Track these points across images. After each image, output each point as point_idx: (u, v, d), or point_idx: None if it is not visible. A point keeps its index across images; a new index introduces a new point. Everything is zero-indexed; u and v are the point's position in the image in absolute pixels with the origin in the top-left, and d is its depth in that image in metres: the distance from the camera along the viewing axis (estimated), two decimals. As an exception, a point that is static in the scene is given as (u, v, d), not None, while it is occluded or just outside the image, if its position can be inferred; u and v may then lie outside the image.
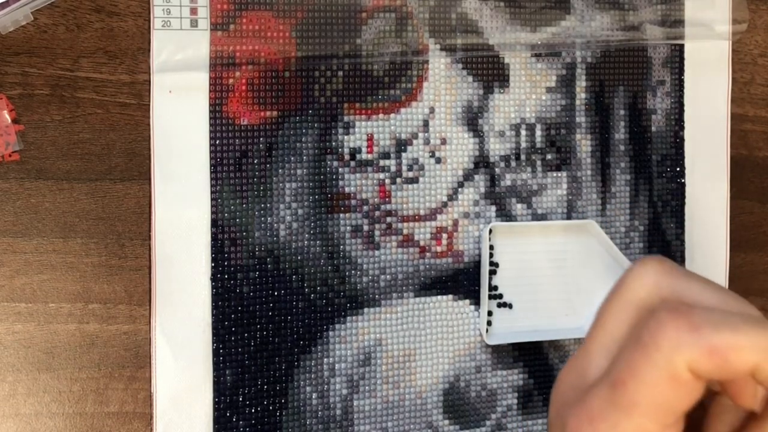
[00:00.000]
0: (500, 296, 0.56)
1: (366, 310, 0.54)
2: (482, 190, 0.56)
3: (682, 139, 0.60)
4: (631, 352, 0.32)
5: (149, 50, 0.50)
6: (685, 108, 0.60)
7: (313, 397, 0.53)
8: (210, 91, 0.51)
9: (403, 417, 0.54)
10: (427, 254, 0.55)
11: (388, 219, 0.54)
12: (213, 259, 0.51)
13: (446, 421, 0.55)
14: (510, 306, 0.56)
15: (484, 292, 0.55)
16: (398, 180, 0.54)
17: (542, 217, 0.57)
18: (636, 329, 0.33)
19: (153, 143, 0.50)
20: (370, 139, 0.53)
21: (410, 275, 0.54)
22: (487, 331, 0.55)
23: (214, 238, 0.51)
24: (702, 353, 0.30)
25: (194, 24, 0.50)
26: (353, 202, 0.53)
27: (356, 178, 0.53)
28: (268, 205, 0.52)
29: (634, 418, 0.31)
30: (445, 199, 0.55)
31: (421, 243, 0.55)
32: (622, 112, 0.59)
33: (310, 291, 0.52)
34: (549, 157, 0.57)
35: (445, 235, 0.55)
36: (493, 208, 0.56)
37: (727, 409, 0.35)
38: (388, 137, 0.54)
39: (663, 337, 0.31)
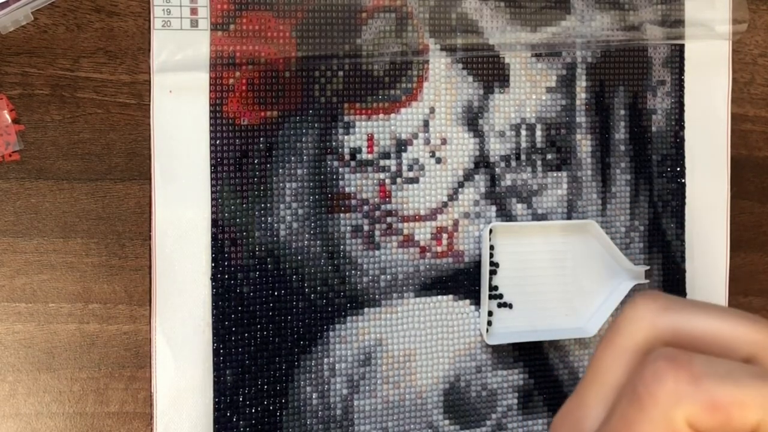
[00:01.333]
0: (500, 296, 0.56)
1: (366, 310, 0.54)
2: (482, 190, 0.56)
3: (682, 139, 0.60)
4: (626, 406, 0.30)
5: (149, 50, 0.50)
6: (685, 108, 0.60)
7: (314, 397, 0.53)
8: (210, 91, 0.51)
9: (404, 417, 0.54)
10: (428, 254, 0.55)
11: (389, 219, 0.54)
12: (213, 259, 0.51)
13: (446, 421, 0.55)
14: (510, 306, 0.56)
15: (485, 292, 0.55)
16: (398, 180, 0.54)
17: (542, 217, 0.57)
18: (632, 379, 0.31)
19: (153, 143, 0.50)
20: (370, 139, 0.53)
21: (410, 275, 0.54)
22: (487, 331, 0.55)
23: (214, 238, 0.51)
24: (703, 408, 0.28)
25: (194, 24, 0.50)
26: (353, 202, 0.53)
27: (356, 178, 0.53)
28: (268, 205, 0.52)
29: None
30: (445, 199, 0.55)
31: (422, 243, 0.55)
32: (622, 112, 0.59)
33: (311, 291, 0.52)
34: (549, 157, 0.57)
35: (445, 235, 0.55)
36: (494, 208, 0.56)
37: None
38: (389, 137, 0.54)
39: (661, 390, 0.29)
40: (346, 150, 0.53)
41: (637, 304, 0.32)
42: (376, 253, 0.54)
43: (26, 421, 0.49)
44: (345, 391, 0.53)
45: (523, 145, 0.57)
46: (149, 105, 0.50)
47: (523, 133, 0.57)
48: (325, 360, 0.53)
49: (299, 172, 0.52)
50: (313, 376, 0.52)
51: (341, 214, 0.53)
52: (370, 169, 0.54)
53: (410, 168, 0.54)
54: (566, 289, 0.57)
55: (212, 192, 0.51)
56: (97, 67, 0.49)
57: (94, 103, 0.50)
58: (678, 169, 0.60)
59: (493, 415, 0.56)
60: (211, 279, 0.51)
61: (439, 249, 0.55)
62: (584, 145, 0.58)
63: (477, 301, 0.55)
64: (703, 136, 0.61)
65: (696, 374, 0.29)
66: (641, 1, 0.58)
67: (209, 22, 0.50)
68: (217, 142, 0.51)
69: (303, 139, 0.52)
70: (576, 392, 0.33)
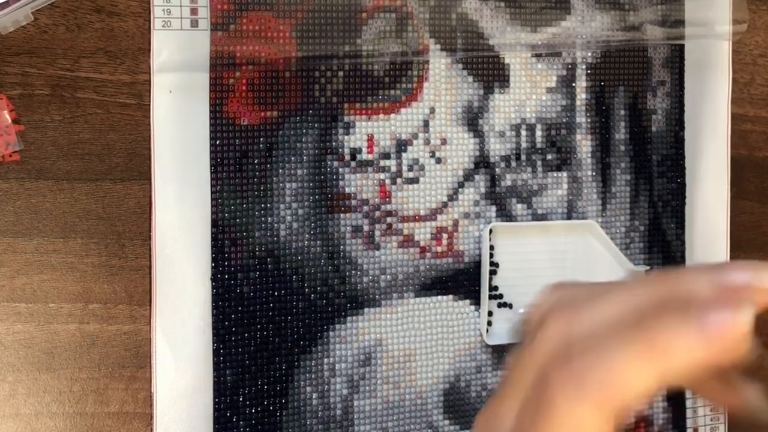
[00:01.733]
0: (500, 296, 0.56)
1: (366, 310, 0.54)
2: (482, 190, 0.56)
3: (682, 139, 0.60)
4: (533, 413, 0.31)
5: (149, 50, 0.50)
6: (685, 108, 0.60)
7: (314, 397, 0.53)
8: (210, 91, 0.51)
9: (404, 417, 0.54)
10: (428, 254, 0.55)
11: (389, 219, 0.54)
12: (213, 259, 0.51)
13: (446, 421, 0.55)
14: (510, 306, 0.56)
15: (485, 292, 0.55)
16: (398, 180, 0.54)
17: (542, 218, 0.57)
18: (535, 386, 0.32)
19: (153, 143, 0.50)
20: (370, 139, 0.53)
21: (410, 275, 0.54)
22: (487, 331, 0.55)
23: (214, 238, 0.51)
24: (594, 404, 0.29)
25: (194, 24, 0.50)
26: (353, 202, 0.53)
27: (356, 179, 0.53)
28: (268, 205, 0.52)
29: None
30: (445, 199, 0.55)
31: (422, 243, 0.55)
32: (622, 112, 0.59)
33: (311, 291, 0.52)
34: (549, 157, 0.57)
35: (445, 235, 0.55)
36: (494, 208, 0.56)
37: None
38: (389, 137, 0.54)
39: (555, 396, 0.30)
40: (346, 150, 0.53)
41: (549, 324, 0.32)
42: (376, 253, 0.54)
43: (26, 421, 0.49)
44: (345, 392, 0.53)
45: (523, 145, 0.57)
46: (149, 105, 0.50)
47: (523, 133, 0.57)
48: (325, 360, 0.53)
49: (299, 172, 0.52)
50: (313, 376, 0.52)
51: (341, 214, 0.53)
52: (370, 169, 0.54)
53: (410, 168, 0.54)
54: (566, 289, 0.57)
55: (212, 192, 0.51)
56: (97, 67, 0.49)
57: (94, 103, 0.50)
58: (678, 169, 0.60)
59: (493, 415, 0.56)
60: (211, 279, 0.51)
61: (439, 249, 0.55)
62: (584, 145, 0.58)
63: (477, 301, 0.55)
64: (703, 136, 0.61)
65: (578, 372, 0.30)
66: (641, 1, 0.58)
67: (209, 22, 0.50)
68: (217, 142, 0.51)
69: (303, 139, 0.52)
70: (497, 390, 0.34)
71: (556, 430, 0.30)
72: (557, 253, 0.57)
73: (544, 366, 0.31)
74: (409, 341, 0.54)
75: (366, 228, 0.53)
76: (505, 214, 0.56)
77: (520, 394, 0.32)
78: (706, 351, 0.28)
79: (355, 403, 0.53)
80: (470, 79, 0.55)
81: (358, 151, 0.53)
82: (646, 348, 0.29)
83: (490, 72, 0.56)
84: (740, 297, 0.29)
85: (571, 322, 0.32)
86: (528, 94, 0.56)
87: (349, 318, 0.53)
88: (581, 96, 0.58)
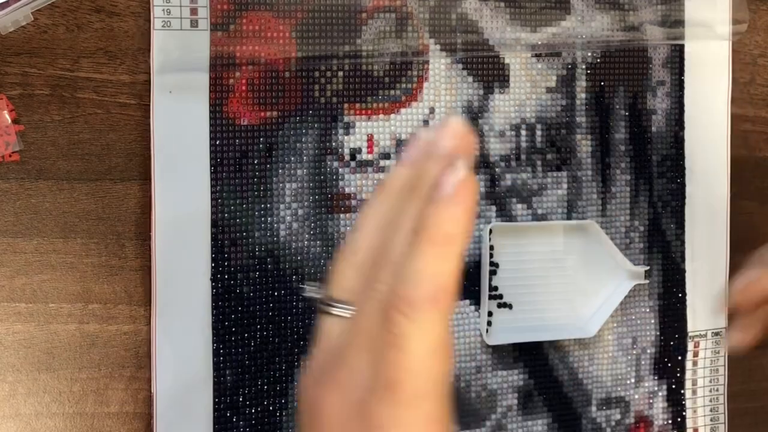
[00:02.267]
0: (500, 296, 0.56)
1: (366, 310, 0.53)
2: (482, 190, 0.56)
3: (682, 139, 0.60)
4: (385, 355, 0.33)
5: (149, 50, 0.50)
6: (685, 108, 0.60)
7: (313, 397, 0.52)
8: (210, 92, 0.51)
9: (403, 417, 0.54)
10: (427, 254, 0.55)
11: (388, 219, 0.54)
12: (213, 259, 0.51)
13: (446, 421, 0.55)
14: (510, 306, 0.56)
15: (484, 292, 0.55)
16: (398, 180, 0.54)
17: (542, 217, 0.57)
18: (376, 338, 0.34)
19: (153, 143, 0.50)
20: (370, 139, 0.53)
21: (410, 275, 0.54)
22: (487, 331, 0.55)
23: (214, 238, 0.51)
24: (431, 309, 0.33)
25: (194, 24, 0.50)
26: (353, 202, 0.53)
27: (356, 179, 0.53)
28: (268, 205, 0.52)
29: None
30: (445, 199, 0.55)
31: (421, 243, 0.54)
32: (622, 112, 0.59)
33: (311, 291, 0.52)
34: (549, 157, 0.57)
35: (445, 235, 0.55)
36: (493, 208, 0.56)
37: None
38: (389, 137, 0.54)
39: (402, 329, 0.33)
40: (346, 150, 0.53)
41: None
42: (376, 253, 0.54)
43: (26, 421, 0.49)
44: (345, 391, 0.53)
45: (523, 145, 0.57)
46: (149, 105, 0.50)
47: (523, 133, 0.57)
48: (325, 360, 0.53)
49: (299, 172, 0.52)
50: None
51: (341, 214, 0.53)
52: (370, 169, 0.54)
53: (410, 168, 0.54)
54: (566, 289, 0.57)
55: (212, 192, 0.51)
56: (97, 67, 0.49)
57: (94, 103, 0.50)
58: (678, 169, 0.60)
59: (493, 416, 0.56)
60: (211, 279, 0.51)
61: (439, 249, 0.55)
62: (584, 145, 0.58)
63: (477, 301, 0.55)
64: (703, 137, 0.61)
65: None
66: (641, 1, 0.58)
67: (209, 23, 0.50)
68: (217, 142, 0.51)
69: (303, 140, 0.52)
70: (343, 364, 0.35)
71: (415, 354, 0.33)
72: (557, 253, 0.57)
73: (379, 321, 0.34)
74: (409, 341, 0.54)
75: (366, 228, 0.53)
76: (505, 214, 0.56)
77: (363, 353, 0.34)
78: (464, 211, 0.33)
79: (355, 403, 0.53)
80: (470, 79, 0.55)
81: (358, 151, 0.53)
82: (430, 241, 0.33)
83: (490, 72, 0.56)
84: (454, 157, 0.34)
85: (389, 263, 0.34)
86: (528, 94, 0.56)
87: (349, 318, 0.53)
88: (581, 96, 0.58)
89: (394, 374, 0.33)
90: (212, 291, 0.51)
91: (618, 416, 0.59)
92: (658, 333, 0.60)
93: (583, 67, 0.58)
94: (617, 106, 0.58)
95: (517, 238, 0.56)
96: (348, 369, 0.34)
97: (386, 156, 0.54)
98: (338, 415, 0.34)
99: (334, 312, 0.36)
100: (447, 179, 0.33)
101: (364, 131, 0.53)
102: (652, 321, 0.60)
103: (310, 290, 0.39)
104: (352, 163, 0.53)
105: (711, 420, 0.62)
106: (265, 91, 0.51)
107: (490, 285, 0.55)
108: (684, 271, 0.60)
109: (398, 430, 0.33)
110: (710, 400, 0.62)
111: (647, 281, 0.58)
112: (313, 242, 0.52)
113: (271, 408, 0.52)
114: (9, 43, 0.48)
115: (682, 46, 0.60)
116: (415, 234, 0.33)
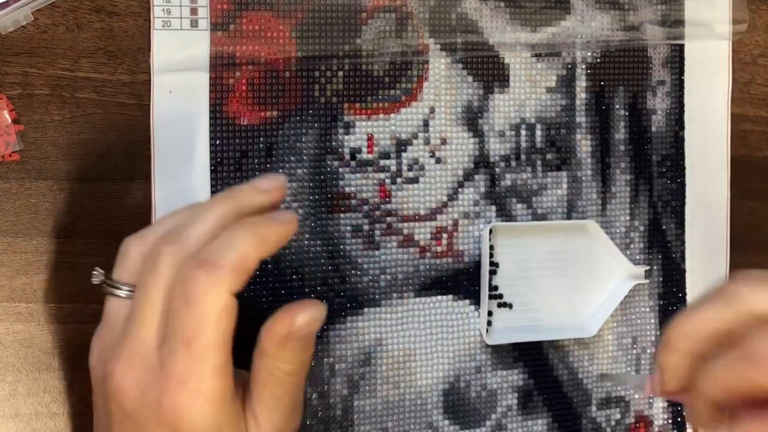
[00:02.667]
0: (500, 296, 0.56)
1: (366, 310, 0.54)
2: (482, 190, 0.56)
3: (682, 139, 0.60)
4: (180, 321, 0.38)
5: (149, 50, 0.50)
6: (685, 108, 0.60)
7: (314, 397, 0.53)
8: (210, 91, 0.51)
9: (403, 417, 0.54)
10: (427, 254, 0.55)
11: (389, 219, 0.54)
12: (213, 259, 0.51)
13: (446, 422, 0.55)
14: (510, 306, 0.56)
15: (484, 292, 0.55)
16: (398, 180, 0.54)
17: (542, 217, 0.57)
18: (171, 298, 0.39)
19: (153, 143, 0.50)
20: (370, 139, 0.54)
21: (410, 275, 0.54)
22: (487, 331, 0.55)
23: (214, 238, 0.51)
24: (230, 279, 0.38)
25: (194, 24, 0.50)
26: (353, 202, 0.53)
27: (356, 178, 0.53)
28: (268, 205, 0.52)
29: None
30: (445, 199, 0.55)
31: (421, 243, 0.55)
32: (622, 112, 0.59)
33: (310, 291, 0.52)
34: (549, 157, 0.57)
35: (445, 235, 0.55)
36: (493, 208, 0.56)
37: None
38: (388, 137, 0.54)
39: (200, 292, 0.37)
40: (346, 150, 0.53)
41: (164, 255, 0.39)
42: (376, 253, 0.54)
43: (26, 421, 0.49)
44: (345, 392, 0.53)
45: (523, 145, 0.57)
46: (149, 105, 0.50)
47: (523, 133, 0.57)
48: (325, 360, 0.53)
49: (299, 172, 0.52)
50: (312, 376, 0.52)
51: (341, 214, 0.53)
52: (370, 169, 0.54)
53: (410, 168, 0.54)
54: (566, 289, 0.57)
55: (212, 192, 0.51)
56: (97, 67, 0.49)
57: (94, 103, 0.50)
58: (678, 169, 0.60)
59: (493, 415, 0.56)
60: (211, 279, 0.51)
61: (438, 249, 0.55)
62: (584, 145, 0.58)
63: (477, 301, 0.55)
64: (703, 136, 0.61)
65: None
66: (641, 1, 0.58)
67: (209, 22, 0.50)
68: (217, 142, 0.51)
69: (303, 139, 0.52)
70: (128, 340, 0.40)
71: (211, 310, 0.37)
72: (557, 253, 0.57)
73: (177, 277, 0.38)
74: (409, 341, 0.54)
75: (366, 228, 0.53)
76: (505, 214, 0.56)
77: (155, 316, 0.38)
78: (271, 201, 0.41)
79: (355, 403, 0.53)
80: (470, 78, 0.55)
81: (358, 150, 0.53)
82: (244, 227, 0.38)
83: (489, 72, 0.56)
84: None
85: (185, 243, 0.39)
86: (528, 94, 0.56)
87: (348, 318, 0.53)
88: (581, 96, 0.58)
89: (192, 328, 0.37)
90: (212, 291, 0.51)
91: (618, 416, 0.59)
92: (658, 333, 0.60)
93: (583, 67, 0.58)
94: (617, 106, 0.58)
95: (517, 238, 0.56)
96: (137, 340, 0.38)
97: (386, 156, 0.54)
98: (134, 385, 0.38)
99: (117, 293, 0.40)
100: (261, 182, 0.41)
101: (364, 131, 0.53)
102: (652, 321, 0.60)
103: (96, 276, 0.42)
104: (352, 163, 0.53)
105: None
106: (265, 91, 0.51)
107: (490, 285, 0.55)
108: (684, 271, 0.60)
109: (196, 379, 0.37)
110: (710, 400, 0.62)
111: (647, 281, 0.58)
112: (313, 242, 0.52)
113: (271, 408, 0.52)
114: (9, 43, 0.48)
115: (682, 45, 0.60)
116: (236, 221, 0.39)
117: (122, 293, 0.40)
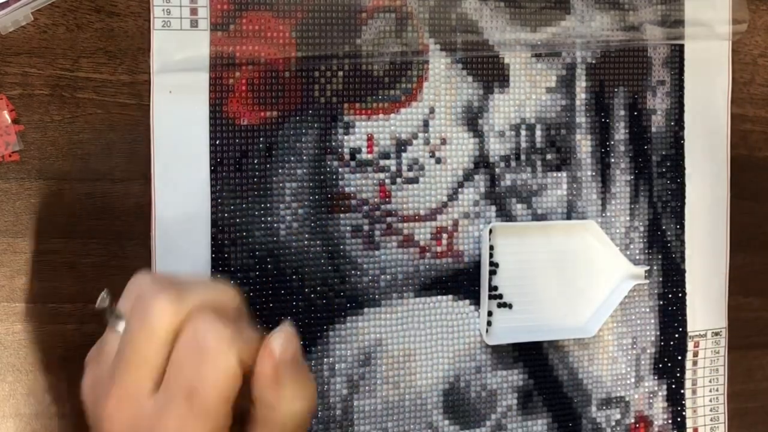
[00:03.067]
0: (500, 296, 0.56)
1: (366, 310, 0.54)
2: (482, 190, 0.56)
3: (682, 139, 0.60)
4: (186, 370, 0.36)
5: (149, 50, 0.50)
6: (685, 108, 0.60)
7: (313, 397, 0.52)
8: (210, 91, 0.51)
9: (403, 417, 0.54)
10: (427, 254, 0.55)
11: (388, 219, 0.54)
12: (213, 259, 0.51)
13: (446, 422, 0.55)
14: (510, 306, 0.56)
15: (484, 292, 0.55)
16: (398, 180, 0.54)
17: (542, 217, 0.57)
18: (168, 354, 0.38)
19: (153, 143, 0.50)
20: (370, 139, 0.54)
21: (410, 275, 0.54)
22: (487, 331, 0.55)
23: (214, 238, 0.51)
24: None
25: (194, 24, 0.50)
26: (353, 202, 0.53)
27: (356, 178, 0.53)
28: (268, 205, 0.52)
29: None
30: (445, 199, 0.55)
31: (421, 243, 0.55)
32: (622, 112, 0.59)
33: (310, 291, 0.52)
34: (549, 157, 0.57)
35: (445, 235, 0.55)
36: (493, 208, 0.56)
37: None
38: (388, 137, 0.54)
39: (209, 346, 0.36)
40: (346, 150, 0.53)
41: (152, 307, 0.37)
42: (376, 253, 0.54)
43: (26, 421, 0.49)
44: (345, 392, 0.53)
45: (523, 145, 0.57)
46: (149, 105, 0.50)
47: (523, 133, 0.57)
48: (325, 360, 0.53)
49: (299, 172, 0.52)
50: (312, 376, 0.52)
51: (341, 214, 0.53)
52: (370, 169, 0.54)
53: (410, 168, 0.54)
54: (566, 289, 0.57)
55: (212, 192, 0.51)
56: (97, 67, 0.49)
57: (94, 103, 0.50)
58: (678, 169, 0.60)
59: (493, 416, 0.56)
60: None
61: (438, 249, 0.55)
62: (584, 145, 0.58)
63: (477, 301, 0.55)
64: (703, 136, 0.61)
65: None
66: (641, 1, 0.58)
67: (209, 22, 0.50)
68: (217, 142, 0.51)
69: (303, 139, 0.52)
70: (120, 381, 0.37)
71: (219, 373, 0.36)
72: (557, 253, 0.57)
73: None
74: (409, 341, 0.54)
75: (366, 228, 0.53)
76: (505, 214, 0.56)
77: (148, 370, 0.37)
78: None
79: (355, 403, 0.53)
80: (470, 79, 0.55)
81: (358, 150, 0.53)
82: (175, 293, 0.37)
83: (489, 72, 0.56)
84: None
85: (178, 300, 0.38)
86: (528, 94, 0.56)
87: (348, 318, 0.53)
88: (581, 96, 0.58)
89: (197, 381, 0.35)
90: (212, 291, 0.51)
91: (618, 416, 0.59)
92: (658, 333, 0.60)
93: (583, 67, 0.58)
94: (617, 106, 0.58)
95: (517, 238, 0.56)
96: (132, 382, 0.37)
97: (386, 156, 0.54)
98: (124, 430, 0.37)
99: (117, 329, 0.39)
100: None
101: (364, 131, 0.53)
102: (652, 321, 0.60)
103: (102, 301, 0.40)
104: (352, 163, 0.53)
105: (711, 420, 0.62)
106: (265, 91, 0.51)
107: (490, 285, 0.55)
108: (684, 271, 0.60)
109: None
110: (710, 400, 0.62)
111: (647, 281, 0.58)
112: (313, 242, 0.52)
113: (271, 408, 0.52)
114: (9, 43, 0.48)
115: (682, 45, 0.60)
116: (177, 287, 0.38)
117: (122, 327, 0.39)
